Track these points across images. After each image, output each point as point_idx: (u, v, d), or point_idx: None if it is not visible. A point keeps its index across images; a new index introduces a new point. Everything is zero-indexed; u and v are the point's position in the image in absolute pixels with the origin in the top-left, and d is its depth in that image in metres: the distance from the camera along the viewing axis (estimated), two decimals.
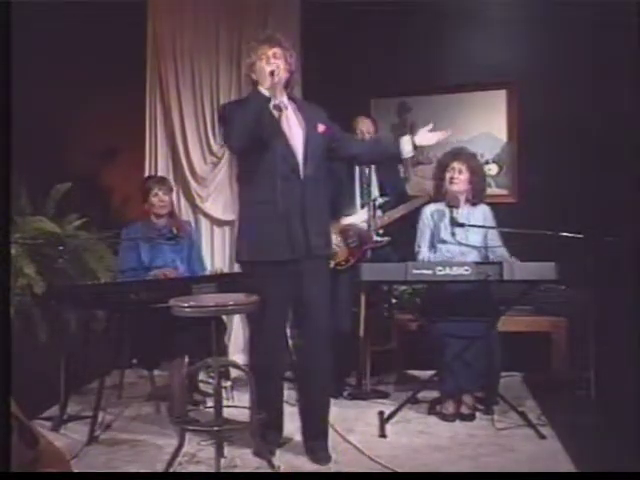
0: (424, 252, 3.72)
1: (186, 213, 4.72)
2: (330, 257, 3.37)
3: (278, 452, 2.99)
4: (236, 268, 3.48)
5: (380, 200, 3.97)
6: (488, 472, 2.76)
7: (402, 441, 3.21)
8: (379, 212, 3.96)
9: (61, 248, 3.80)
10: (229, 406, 3.12)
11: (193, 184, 4.74)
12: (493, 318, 3.47)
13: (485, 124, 4.75)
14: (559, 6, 4.31)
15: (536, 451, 3.02)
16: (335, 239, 3.88)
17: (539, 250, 3.32)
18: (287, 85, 2.96)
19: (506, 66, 4.59)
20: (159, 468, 2.82)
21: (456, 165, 3.68)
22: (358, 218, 3.97)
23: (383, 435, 3.27)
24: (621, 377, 3.43)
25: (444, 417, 3.49)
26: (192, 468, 2.87)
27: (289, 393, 3.26)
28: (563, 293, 4.13)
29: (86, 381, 4.05)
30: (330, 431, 3.06)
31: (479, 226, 3.65)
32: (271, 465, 2.78)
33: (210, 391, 3.60)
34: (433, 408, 3.61)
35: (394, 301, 4.37)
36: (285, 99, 2.95)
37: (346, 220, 3.99)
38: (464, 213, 3.67)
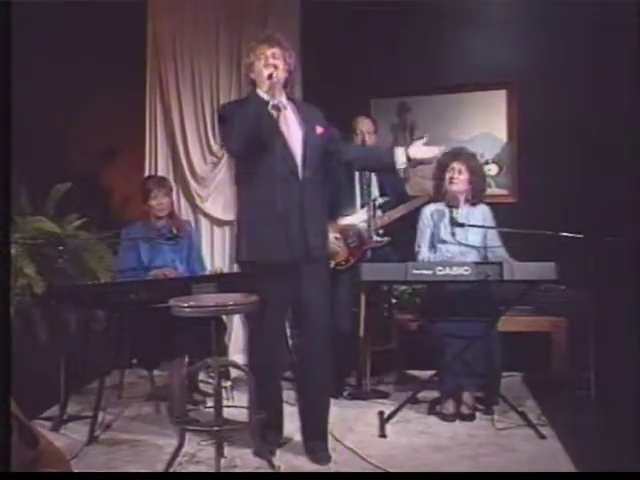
0: (424, 252, 3.72)
1: (186, 213, 4.72)
2: (329, 258, 3.37)
3: (278, 452, 2.99)
4: (236, 268, 3.48)
5: (380, 200, 3.97)
6: (488, 472, 2.76)
7: (402, 441, 3.21)
8: (379, 212, 3.96)
9: (61, 248, 3.80)
10: (229, 406, 3.12)
11: (193, 184, 4.73)
12: (493, 318, 3.47)
13: (485, 124, 4.75)
14: (559, 6, 4.31)
15: (536, 451, 3.02)
16: (335, 239, 3.89)
17: (539, 250, 3.32)
18: (286, 85, 2.96)
19: (506, 66, 4.59)
20: (159, 468, 2.82)
21: (456, 165, 3.68)
22: (358, 218, 3.97)
23: (383, 435, 3.27)
24: (621, 377, 3.43)
25: (444, 417, 3.49)
26: (192, 468, 2.87)
27: (289, 393, 3.25)
28: (563, 293, 4.13)
29: (86, 381, 4.05)
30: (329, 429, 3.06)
31: (479, 226, 3.66)
32: (271, 465, 2.78)
33: (210, 391, 3.61)
34: (433, 408, 3.62)
35: (394, 301, 4.37)
36: (284, 99, 2.95)
37: (346, 220, 3.99)
38: (464, 213, 3.68)
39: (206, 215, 4.76)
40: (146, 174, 4.65)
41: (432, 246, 3.73)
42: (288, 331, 3.41)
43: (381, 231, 3.97)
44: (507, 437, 3.21)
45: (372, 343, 4.02)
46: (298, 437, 3.07)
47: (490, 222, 3.71)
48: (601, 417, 3.23)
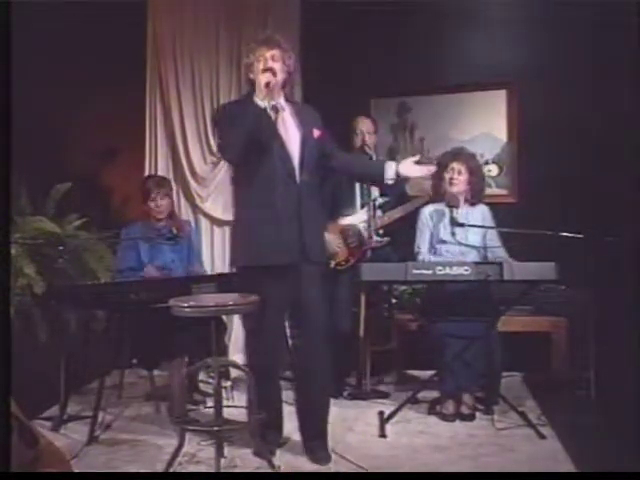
0: (424, 252, 3.72)
1: (186, 213, 4.72)
2: (327, 259, 3.37)
3: (278, 452, 2.99)
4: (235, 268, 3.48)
5: (380, 200, 3.96)
6: (488, 472, 2.76)
7: (402, 441, 3.21)
8: (379, 212, 3.96)
9: (61, 248, 3.80)
10: (229, 406, 3.12)
11: (193, 184, 4.73)
12: (493, 318, 3.47)
13: (485, 124, 4.75)
14: (559, 6, 4.31)
15: (536, 451, 3.02)
16: (335, 239, 3.89)
17: (539, 250, 3.32)
18: (284, 86, 2.96)
19: (506, 66, 4.59)
20: (159, 468, 2.81)
21: (455, 166, 3.69)
22: (358, 218, 3.97)
23: (383, 435, 3.27)
24: (621, 377, 3.43)
25: (444, 417, 3.49)
26: (192, 468, 2.87)
27: (288, 393, 3.25)
28: (563, 293, 4.13)
29: (86, 381, 4.05)
30: (329, 431, 3.05)
31: (479, 226, 3.66)
32: (271, 465, 2.78)
33: (210, 391, 3.61)
34: (433, 408, 3.62)
35: (394, 301, 4.37)
36: (282, 101, 2.95)
37: (346, 220, 3.99)
38: (463, 213, 3.68)
39: (206, 215, 4.76)
40: (146, 174, 4.64)
41: (432, 246, 3.74)
42: (287, 331, 3.41)
43: (381, 231, 3.97)
44: (507, 437, 3.21)
45: (372, 343, 4.02)
46: (298, 437, 3.06)
47: (489, 222, 3.71)
48: (601, 417, 3.23)
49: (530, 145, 4.59)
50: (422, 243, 3.74)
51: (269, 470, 2.76)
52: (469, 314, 3.45)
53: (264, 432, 2.90)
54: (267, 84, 2.77)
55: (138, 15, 4.67)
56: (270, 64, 2.85)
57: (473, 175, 3.71)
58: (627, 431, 2.92)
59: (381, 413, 3.52)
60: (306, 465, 2.89)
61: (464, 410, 3.49)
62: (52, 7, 4.35)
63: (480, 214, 3.72)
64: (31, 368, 3.42)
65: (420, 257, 3.70)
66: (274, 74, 2.81)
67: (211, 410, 2.85)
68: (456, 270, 3.23)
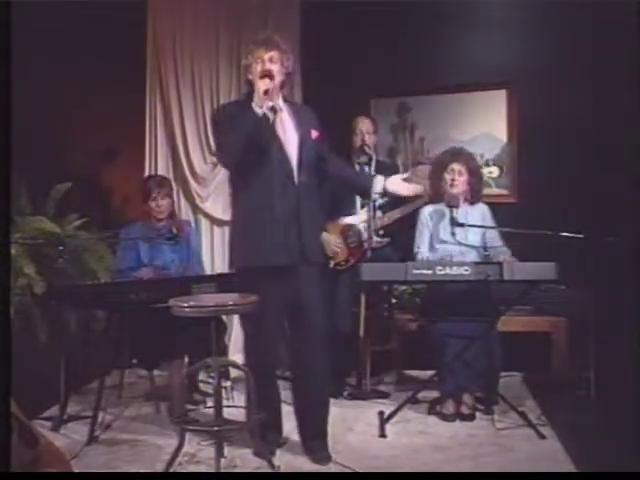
0: (423, 253, 3.72)
1: (186, 213, 4.72)
2: (326, 259, 3.37)
3: (278, 452, 2.99)
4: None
5: (380, 200, 3.96)
6: (488, 472, 2.76)
7: (402, 441, 3.21)
8: (379, 213, 3.96)
9: (61, 248, 3.79)
10: (229, 406, 3.12)
11: (193, 184, 4.73)
12: (493, 318, 3.47)
13: (485, 124, 4.74)
14: (559, 6, 4.31)
15: (536, 451, 3.02)
16: (335, 239, 3.89)
17: (539, 250, 3.32)
18: (283, 86, 2.96)
19: (506, 66, 4.59)
20: (159, 468, 2.81)
21: (456, 167, 3.68)
22: (358, 218, 3.98)
23: (383, 435, 3.27)
24: (621, 377, 3.43)
25: (444, 417, 3.49)
26: (192, 468, 2.87)
27: (288, 393, 3.25)
28: (563, 293, 4.13)
29: (86, 381, 4.05)
30: (329, 431, 3.05)
31: (479, 226, 3.66)
32: (271, 465, 2.78)
33: (210, 391, 3.61)
34: (433, 408, 3.61)
35: (394, 301, 4.37)
36: (280, 101, 2.94)
37: (346, 220, 3.99)
38: (462, 212, 3.67)
39: (206, 215, 4.75)
40: (146, 174, 4.64)
41: (431, 247, 3.73)
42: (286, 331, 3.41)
43: (381, 231, 3.97)
44: (507, 437, 3.21)
45: (372, 343, 4.02)
46: (297, 437, 3.06)
47: (489, 221, 3.72)
48: (601, 417, 3.22)
49: (530, 145, 4.59)
50: (422, 243, 3.74)
51: (269, 470, 2.76)
52: (469, 314, 3.45)
53: (264, 432, 2.90)
54: (265, 91, 2.77)
55: (138, 15, 4.67)
56: (268, 66, 2.84)
57: (473, 176, 3.72)
58: (627, 431, 2.92)
59: (381, 413, 3.51)
60: (306, 465, 2.89)
61: (464, 410, 3.49)
62: (52, 7, 4.35)
63: (479, 213, 3.73)
64: (31, 368, 3.43)
65: (420, 257, 3.70)
66: (272, 78, 2.80)
67: (211, 410, 2.85)
68: (456, 270, 3.23)
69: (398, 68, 4.68)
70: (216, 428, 2.75)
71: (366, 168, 4.02)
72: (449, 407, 3.51)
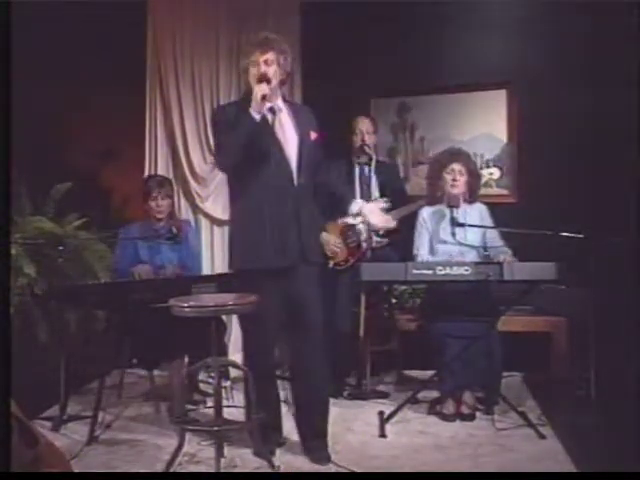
0: (423, 254, 3.71)
1: (186, 213, 4.72)
2: (325, 259, 3.38)
3: (278, 452, 2.99)
4: None
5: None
6: (488, 472, 2.76)
7: (402, 441, 3.21)
8: None
9: (61, 248, 3.79)
10: (229, 406, 3.12)
11: (193, 184, 4.73)
12: (493, 318, 3.47)
13: (485, 124, 4.75)
14: (559, 6, 4.31)
15: (536, 451, 3.02)
16: (335, 239, 3.88)
17: (539, 250, 3.32)
18: (281, 86, 2.95)
19: (506, 66, 4.60)
20: (159, 468, 2.82)
21: (456, 167, 3.68)
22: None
23: (383, 435, 3.27)
24: (621, 377, 3.43)
25: (444, 417, 3.49)
26: (192, 468, 2.87)
27: (288, 393, 3.25)
28: (563, 293, 4.13)
29: (86, 381, 4.06)
30: (329, 430, 3.05)
31: (480, 226, 3.66)
32: (271, 465, 2.78)
33: (210, 391, 3.61)
34: (433, 408, 3.61)
35: (394, 301, 4.37)
36: (279, 101, 2.94)
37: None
38: (461, 212, 3.67)
39: (206, 215, 4.76)
40: (146, 174, 4.64)
41: (431, 248, 3.73)
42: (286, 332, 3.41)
43: (381, 232, 3.97)
44: (507, 437, 3.21)
45: (372, 343, 4.01)
46: (297, 437, 3.06)
47: (487, 220, 3.72)
48: (601, 417, 3.22)
49: (530, 145, 4.59)
50: (421, 245, 3.74)
51: (269, 470, 2.76)
52: (469, 314, 3.45)
53: (263, 432, 2.90)
54: (263, 97, 2.75)
55: (138, 15, 4.67)
56: (264, 69, 2.82)
57: (472, 176, 3.73)
58: (627, 431, 2.92)
59: (381, 413, 3.51)
60: (306, 465, 2.89)
61: (464, 410, 3.49)
62: (52, 7, 4.35)
63: (478, 212, 3.73)
64: (31, 368, 3.43)
65: (419, 259, 3.69)
66: (269, 82, 2.78)
67: (211, 410, 2.86)
68: (456, 270, 3.23)
69: (398, 68, 4.68)
70: (216, 428, 2.75)
71: (366, 168, 4.03)
72: (449, 407, 3.51)
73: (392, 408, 3.50)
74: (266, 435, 2.92)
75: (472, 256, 3.63)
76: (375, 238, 3.91)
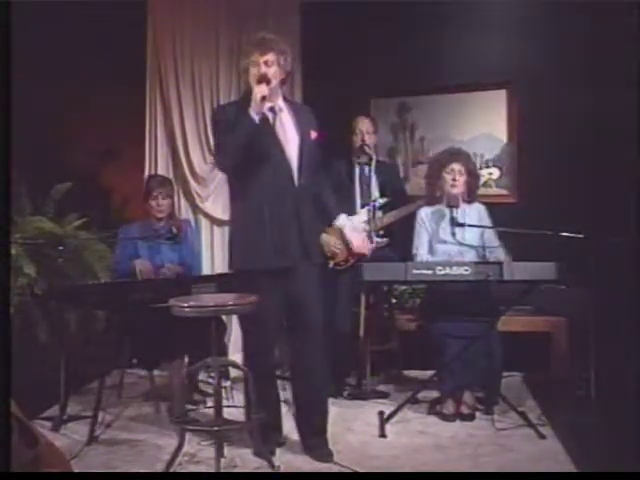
0: (422, 254, 3.71)
1: (186, 213, 4.72)
2: (325, 259, 3.38)
3: (278, 452, 2.99)
4: None
5: (380, 201, 3.97)
6: (488, 472, 2.76)
7: (402, 441, 3.21)
8: (379, 213, 3.96)
9: (61, 248, 3.80)
10: (229, 406, 3.12)
11: (193, 184, 4.73)
12: (493, 318, 3.47)
13: (485, 124, 4.74)
14: (559, 6, 4.31)
15: (536, 451, 3.02)
16: (334, 240, 3.88)
17: (539, 250, 3.32)
18: (282, 84, 2.95)
19: (506, 66, 4.60)
20: (159, 468, 2.81)
21: (456, 166, 3.68)
22: (358, 219, 3.97)
23: (383, 435, 3.27)
24: (621, 377, 3.43)
25: (444, 417, 3.48)
26: (192, 468, 2.86)
27: (288, 393, 3.25)
28: (563, 293, 4.13)
29: (86, 381, 4.05)
30: (329, 430, 3.05)
31: (479, 226, 3.66)
32: (271, 465, 2.78)
33: (210, 391, 3.61)
34: (433, 408, 3.61)
35: (394, 301, 4.37)
36: (280, 101, 2.94)
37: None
38: (460, 212, 3.67)
39: (206, 215, 4.75)
40: (146, 174, 4.64)
41: (430, 247, 3.73)
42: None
43: (381, 232, 3.97)
44: (507, 437, 3.21)
45: (372, 343, 4.01)
46: (297, 436, 3.06)
47: (486, 220, 3.73)
48: (601, 417, 3.22)
49: (530, 145, 4.59)
50: (420, 245, 3.74)
51: (269, 470, 2.76)
52: (469, 314, 3.45)
53: (263, 432, 2.90)
54: (262, 98, 2.75)
55: (138, 15, 4.67)
56: (264, 70, 2.81)
57: (471, 176, 3.73)
58: (627, 431, 2.92)
59: (381, 413, 3.51)
60: (306, 465, 2.89)
61: (464, 410, 3.49)
62: (52, 7, 4.35)
63: (477, 212, 3.73)
64: (31, 368, 3.43)
65: (418, 259, 3.69)
66: (269, 82, 2.78)
67: (211, 410, 2.86)
68: (456, 270, 3.23)
69: (398, 68, 4.68)
70: (216, 428, 2.75)
71: (366, 168, 4.03)
72: (449, 407, 3.51)
73: (392, 408, 3.50)
74: (266, 435, 2.91)
75: (471, 256, 3.63)
76: (375, 238, 3.91)
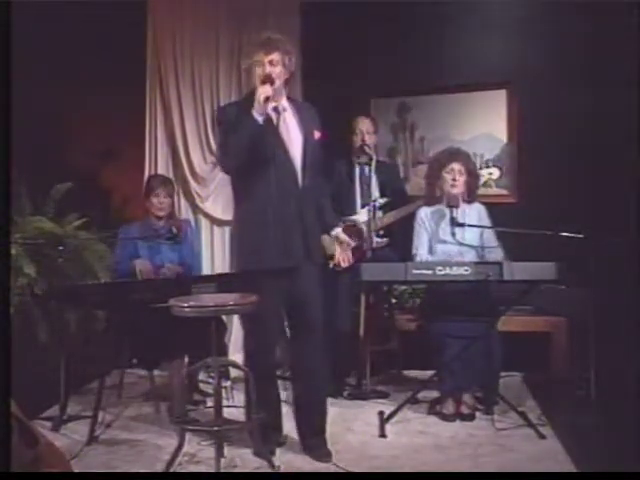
0: (422, 254, 3.71)
1: (186, 213, 4.72)
2: (326, 259, 3.39)
3: (278, 452, 2.99)
4: None
5: (380, 201, 3.97)
6: (488, 472, 2.76)
7: (402, 441, 3.21)
8: (379, 213, 3.96)
9: (61, 248, 3.79)
10: (229, 406, 3.12)
11: (193, 184, 4.73)
12: (493, 318, 3.48)
13: (485, 124, 4.74)
14: (559, 6, 4.31)
15: (536, 451, 3.02)
16: (334, 240, 3.88)
17: (539, 250, 3.32)
18: (286, 85, 2.95)
19: (506, 66, 4.59)
20: (159, 468, 2.82)
21: (456, 166, 3.68)
22: (358, 219, 3.97)
23: (383, 435, 3.27)
24: (621, 377, 3.43)
25: (444, 417, 3.49)
26: (192, 468, 2.87)
27: (288, 393, 3.25)
28: (563, 293, 4.13)
29: (86, 381, 4.05)
30: (329, 431, 3.05)
31: (479, 226, 3.66)
32: (271, 465, 2.78)
33: (210, 391, 3.61)
34: (433, 408, 3.61)
35: (394, 301, 4.37)
36: (284, 101, 2.93)
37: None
38: (460, 212, 3.67)
39: (206, 215, 4.75)
40: (146, 174, 4.64)
41: (430, 247, 3.73)
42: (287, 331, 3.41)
43: (381, 232, 3.97)
44: (507, 437, 3.21)
45: (372, 343, 4.01)
46: (297, 436, 3.06)
47: (485, 220, 3.73)
48: (601, 417, 3.22)
49: (530, 145, 4.59)
50: (420, 245, 3.74)
51: (269, 470, 2.76)
52: (469, 314, 3.45)
53: (264, 432, 2.90)
54: (266, 99, 2.74)
55: (138, 15, 4.66)
56: (268, 70, 2.80)
57: (470, 175, 3.73)
58: (627, 431, 2.92)
59: (381, 413, 3.51)
60: (306, 465, 2.89)
61: (464, 410, 3.49)
62: (52, 7, 4.35)
63: (476, 212, 3.73)
64: (31, 368, 3.43)
65: (418, 259, 3.69)
66: (272, 82, 2.77)
67: (211, 410, 2.86)
68: (456, 270, 3.23)
69: (398, 68, 4.68)
70: (216, 428, 2.75)
71: (366, 168, 4.03)
72: (449, 407, 3.51)
73: (392, 408, 3.50)
74: (266, 435, 2.91)
75: (471, 256, 3.63)
76: (375, 238, 3.90)
